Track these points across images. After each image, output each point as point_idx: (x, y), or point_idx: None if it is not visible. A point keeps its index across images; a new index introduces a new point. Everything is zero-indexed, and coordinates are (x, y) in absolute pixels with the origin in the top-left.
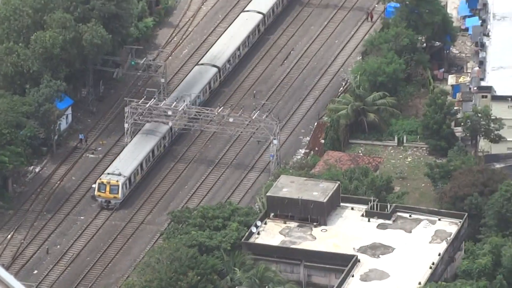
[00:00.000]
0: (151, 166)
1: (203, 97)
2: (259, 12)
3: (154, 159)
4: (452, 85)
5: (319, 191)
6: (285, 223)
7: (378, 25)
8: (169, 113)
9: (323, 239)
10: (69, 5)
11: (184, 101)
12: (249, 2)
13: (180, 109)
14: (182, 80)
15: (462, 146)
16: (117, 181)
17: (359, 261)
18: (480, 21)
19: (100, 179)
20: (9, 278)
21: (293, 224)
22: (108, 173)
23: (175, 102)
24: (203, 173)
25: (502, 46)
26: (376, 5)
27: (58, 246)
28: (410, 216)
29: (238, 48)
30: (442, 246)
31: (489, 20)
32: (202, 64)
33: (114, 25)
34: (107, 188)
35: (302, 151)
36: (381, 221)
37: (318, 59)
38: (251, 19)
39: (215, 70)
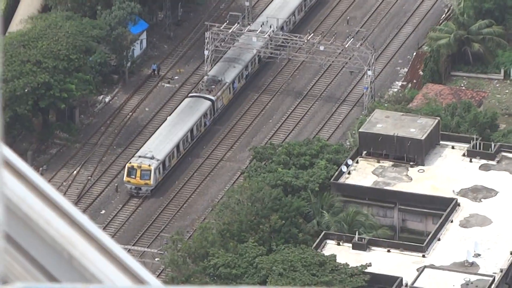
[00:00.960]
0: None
1: (292, 22)
2: None
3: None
4: None
5: (416, 127)
6: (378, 162)
7: None
8: (254, 39)
9: (420, 180)
10: None
11: (270, 26)
12: None
13: (266, 36)
14: (269, 3)
15: None
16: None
17: (459, 205)
18: None
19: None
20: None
21: (387, 163)
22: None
23: (260, 28)
24: (289, 105)
25: None
26: None
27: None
28: None
29: None
30: None
31: None
32: None
33: None
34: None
35: (399, 83)
36: (484, 161)
37: None
38: None
39: None
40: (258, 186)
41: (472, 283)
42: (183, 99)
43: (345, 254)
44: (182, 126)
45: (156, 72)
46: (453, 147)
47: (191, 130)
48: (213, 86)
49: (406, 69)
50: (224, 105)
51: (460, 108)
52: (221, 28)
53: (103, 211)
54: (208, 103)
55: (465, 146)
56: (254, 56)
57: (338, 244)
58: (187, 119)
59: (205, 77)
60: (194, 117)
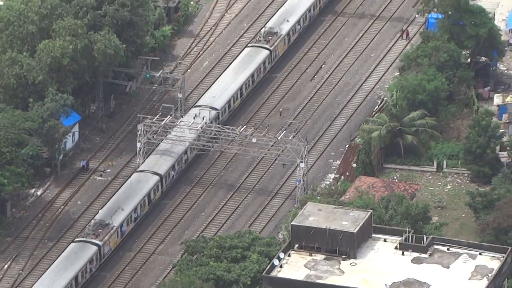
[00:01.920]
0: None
1: (223, 115)
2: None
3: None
4: (498, 105)
5: (349, 220)
6: (310, 255)
7: (418, 38)
8: (187, 132)
9: (352, 273)
10: (78, 11)
11: (203, 118)
12: (275, 13)
13: (198, 128)
14: (202, 96)
15: (507, 173)
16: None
17: None
18: None
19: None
20: None
21: (319, 257)
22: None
23: (193, 120)
24: (222, 198)
25: None
26: (416, 16)
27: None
28: (448, 249)
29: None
30: (483, 284)
31: None
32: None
33: (128, 33)
34: None
35: (332, 175)
36: (416, 254)
37: (352, 74)
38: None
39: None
40: (189, 280)
41: None
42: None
43: None
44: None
45: (85, 168)
46: (385, 240)
47: (76, 278)
48: (100, 230)
49: (338, 162)
50: (111, 249)
51: (393, 201)
52: (154, 120)
53: None
54: (95, 248)
55: (398, 239)
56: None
57: None
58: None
59: (92, 221)
60: (78, 264)
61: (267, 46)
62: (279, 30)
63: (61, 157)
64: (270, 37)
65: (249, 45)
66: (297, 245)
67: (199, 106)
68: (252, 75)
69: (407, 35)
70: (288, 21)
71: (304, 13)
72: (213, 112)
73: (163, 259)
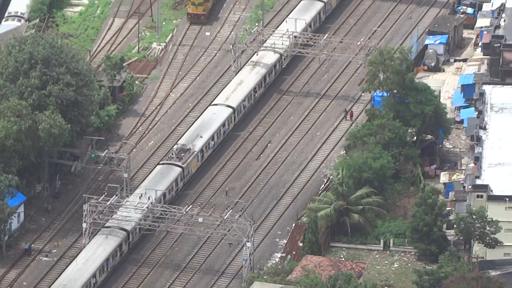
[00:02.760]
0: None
1: (170, 194)
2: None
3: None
4: (444, 183)
5: None
6: None
7: (364, 116)
8: (132, 212)
9: None
10: (23, 91)
11: (149, 198)
12: (220, 92)
13: (144, 208)
14: (147, 175)
15: (454, 251)
16: None
17: None
18: (476, 113)
19: None
20: None
21: None
22: None
23: (139, 200)
24: (168, 278)
25: (500, 140)
26: (361, 94)
27: None
28: None
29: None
30: None
31: (486, 112)
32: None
33: (73, 113)
34: None
35: (278, 255)
36: None
37: (298, 153)
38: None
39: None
40: None
41: None
42: None
43: None
44: None
45: (28, 252)
46: None
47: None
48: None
49: (285, 241)
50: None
51: (341, 280)
52: (99, 200)
53: None
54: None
55: None
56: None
57: None
58: None
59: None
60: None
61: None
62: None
63: (6, 238)
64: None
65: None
66: None
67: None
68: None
69: (351, 116)
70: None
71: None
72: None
73: None
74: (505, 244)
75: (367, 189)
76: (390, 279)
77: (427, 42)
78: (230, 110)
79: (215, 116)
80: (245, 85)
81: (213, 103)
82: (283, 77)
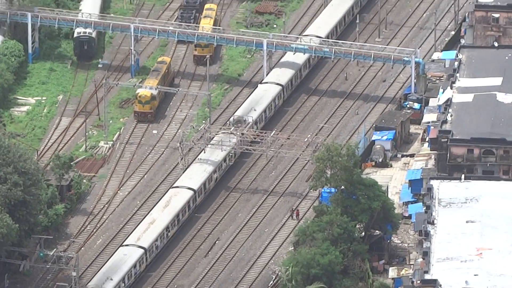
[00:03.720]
0: None
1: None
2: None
3: None
4: (393, 279)
5: None
6: None
7: (312, 213)
8: None
9: None
10: None
11: None
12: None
13: None
14: (97, 272)
15: None
16: None
17: None
18: (424, 208)
19: None
20: None
21: None
22: None
23: None
24: None
25: (448, 235)
26: (309, 190)
27: None
28: None
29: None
30: None
31: (434, 207)
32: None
33: (21, 212)
34: None
35: None
36: None
37: (246, 249)
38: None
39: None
40: None
41: None
42: None
43: None
44: None
45: None
46: None
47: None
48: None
49: None
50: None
51: None
52: None
53: None
54: None
55: None
56: None
57: None
58: None
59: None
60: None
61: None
62: None
63: None
64: None
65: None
66: None
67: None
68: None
69: (297, 214)
70: None
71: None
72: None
73: None
74: None
75: (316, 285)
76: None
77: (374, 137)
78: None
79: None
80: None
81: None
82: (231, 174)
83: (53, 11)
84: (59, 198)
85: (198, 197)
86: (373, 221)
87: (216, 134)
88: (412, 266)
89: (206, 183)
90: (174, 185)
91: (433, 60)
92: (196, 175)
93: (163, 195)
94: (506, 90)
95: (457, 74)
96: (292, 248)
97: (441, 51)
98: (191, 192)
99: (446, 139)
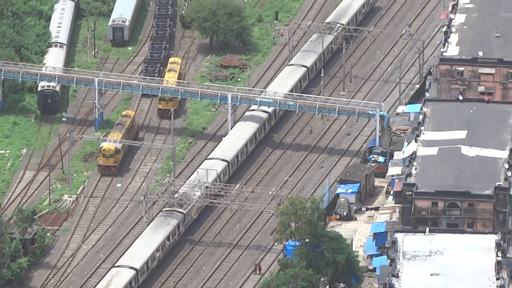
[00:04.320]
0: None
1: None
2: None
3: None
4: None
5: None
6: None
7: (276, 266)
8: None
9: None
10: None
11: None
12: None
13: None
14: None
15: None
16: None
17: None
18: (389, 261)
19: None
20: None
21: None
22: None
23: None
24: None
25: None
26: (274, 243)
27: None
28: None
29: None
30: None
31: (399, 260)
32: None
33: None
34: None
35: None
36: None
37: None
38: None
39: None
40: None
41: None
42: None
43: None
44: None
45: None
46: None
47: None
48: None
49: None
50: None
51: None
52: None
53: None
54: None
55: None
56: None
57: None
58: None
59: None
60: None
61: None
62: None
63: None
64: None
65: None
66: None
67: None
68: None
69: (259, 269)
70: None
71: None
72: None
73: None
74: None
75: None
76: None
77: (338, 191)
78: (133, 271)
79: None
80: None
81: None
82: (195, 227)
83: (17, 65)
84: (23, 251)
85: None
86: (337, 274)
87: (180, 188)
88: None
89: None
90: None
91: (397, 114)
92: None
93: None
94: (470, 143)
95: (422, 127)
96: None
97: (406, 104)
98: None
99: (411, 192)
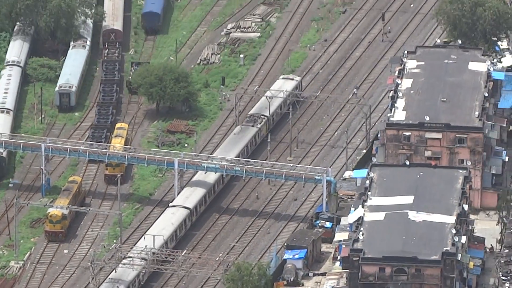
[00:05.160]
0: None
1: None
2: None
3: None
4: None
5: None
6: None
7: None
8: None
9: None
10: None
11: None
12: None
13: None
14: None
15: None
16: None
17: None
18: None
19: None
20: None
21: None
22: None
23: None
24: None
25: None
26: None
27: None
28: None
29: None
30: None
31: None
32: None
33: None
34: None
35: None
36: None
37: None
38: None
39: None
40: None
41: None
42: None
43: None
44: None
45: None
46: None
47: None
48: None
49: None
50: None
51: None
52: None
53: None
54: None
55: None
56: None
57: None
58: None
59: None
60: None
61: None
62: None
63: None
64: None
65: None
66: None
67: None
68: None
69: None
70: None
71: None
72: None
73: None
74: None
75: None
76: None
77: (285, 256)
78: None
79: None
80: None
81: None
82: None
83: None
84: None
85: None
86: None
87: (127, 254)
88: None
89: None
90: None
91: (344, 179)
92: None
93: None
94: (417, 209)
95: (369, 193)
96: None
97: (353, 169)
98: None
99: (358, 258)
